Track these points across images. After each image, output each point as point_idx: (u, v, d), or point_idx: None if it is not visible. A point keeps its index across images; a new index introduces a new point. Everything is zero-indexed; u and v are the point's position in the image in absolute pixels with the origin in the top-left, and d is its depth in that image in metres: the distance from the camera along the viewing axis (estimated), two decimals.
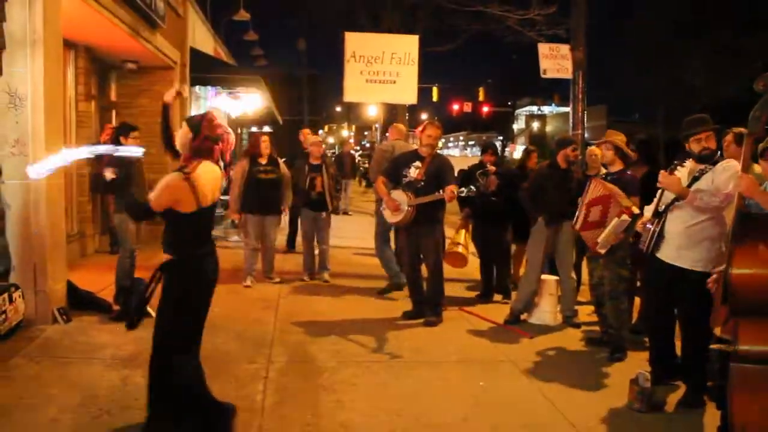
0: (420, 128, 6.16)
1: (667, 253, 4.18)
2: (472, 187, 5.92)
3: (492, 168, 6.59)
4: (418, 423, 3.77)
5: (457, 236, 7.13)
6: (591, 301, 5.61)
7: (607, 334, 5.21)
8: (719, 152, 4.19)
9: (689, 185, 4.07)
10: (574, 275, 6.18)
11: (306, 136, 9.13)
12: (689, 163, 4.18)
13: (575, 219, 5.23)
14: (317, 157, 7.59)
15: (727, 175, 3.93)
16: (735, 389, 2.95)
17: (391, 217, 6.01)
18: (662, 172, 4.14)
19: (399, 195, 5.94)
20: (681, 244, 4.10)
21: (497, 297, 6.88)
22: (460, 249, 7.02)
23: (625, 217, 4.75)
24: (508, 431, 3.74)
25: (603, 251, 4.90)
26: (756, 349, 2.96)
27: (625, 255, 5.07)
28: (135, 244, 6.06)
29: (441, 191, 5.74)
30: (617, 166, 5.18)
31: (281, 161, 7.55)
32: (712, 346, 3.40)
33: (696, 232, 4.05)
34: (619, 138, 5.24)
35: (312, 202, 7.47)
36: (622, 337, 5.11)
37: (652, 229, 4.23)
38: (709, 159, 4.09)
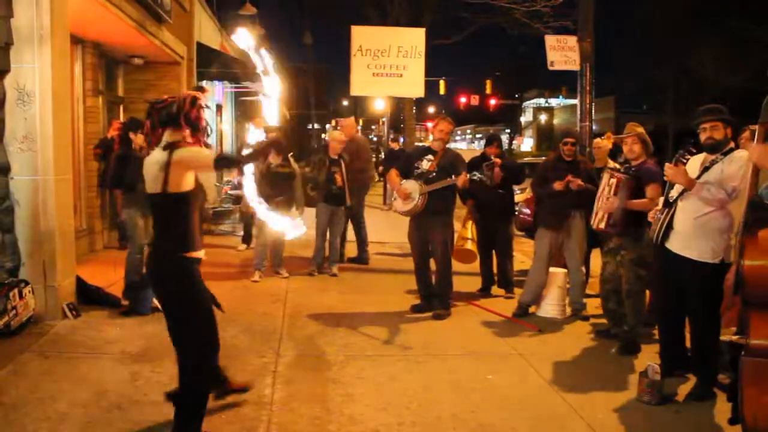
0: (432, 123, 6.21)
1: (675, 244, 4.14)
2: (483, 174, 5.90)
3: (497, 160, 6.57)
4: (426, 416, 3.77)
5: (464, 231, 7.05)
6: (599, 294, 5.58)
7: (622, 332, 5.12)
8: (735, 145, 4.12)
9: (700, 175, 4.03)
10: (583, 267, 6.14)
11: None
12: (702, 154, 4.13)
13: (593, 217, 5.18)
14: (336, 151, 7.59)
15: (736, 165, 3.89)
16: (746, 382, 2.93)
17: (401, 206, 6.00)
18: (667, 164, 4.10)
19: (410, 184, 5.94)
20: (689, 235, 4.06)
21: (500, 291, 6.81)
22: (469, 245, 6.93)
23: (612, 180, 4.88)
24: (517, 424, 3.73)
25: (603, 225, 4.93)
26: None
27: (644, 254, 4.98)
28: (144, 239, 6.07)
29: (453, 177, 5.74)
30: (641, 158, 5.06)
31: (291, 157, 7.52)
32: (723, 338, 3.37)
33: (704, 223, 4.01)
34: (641, 129, 5.17)
35: (332, 196, 7.46)
36: (638, 334, 5.06)
37: (662, 218, 4.20)
38: (713, 149, 4.03)
